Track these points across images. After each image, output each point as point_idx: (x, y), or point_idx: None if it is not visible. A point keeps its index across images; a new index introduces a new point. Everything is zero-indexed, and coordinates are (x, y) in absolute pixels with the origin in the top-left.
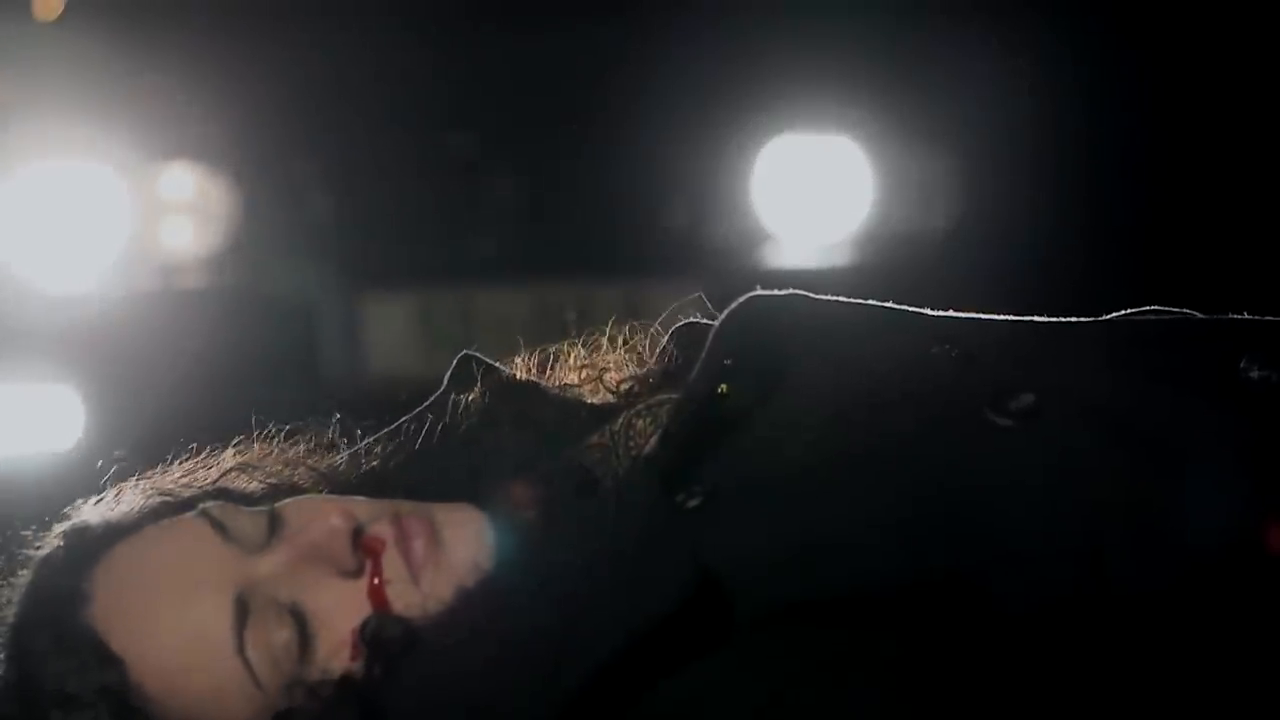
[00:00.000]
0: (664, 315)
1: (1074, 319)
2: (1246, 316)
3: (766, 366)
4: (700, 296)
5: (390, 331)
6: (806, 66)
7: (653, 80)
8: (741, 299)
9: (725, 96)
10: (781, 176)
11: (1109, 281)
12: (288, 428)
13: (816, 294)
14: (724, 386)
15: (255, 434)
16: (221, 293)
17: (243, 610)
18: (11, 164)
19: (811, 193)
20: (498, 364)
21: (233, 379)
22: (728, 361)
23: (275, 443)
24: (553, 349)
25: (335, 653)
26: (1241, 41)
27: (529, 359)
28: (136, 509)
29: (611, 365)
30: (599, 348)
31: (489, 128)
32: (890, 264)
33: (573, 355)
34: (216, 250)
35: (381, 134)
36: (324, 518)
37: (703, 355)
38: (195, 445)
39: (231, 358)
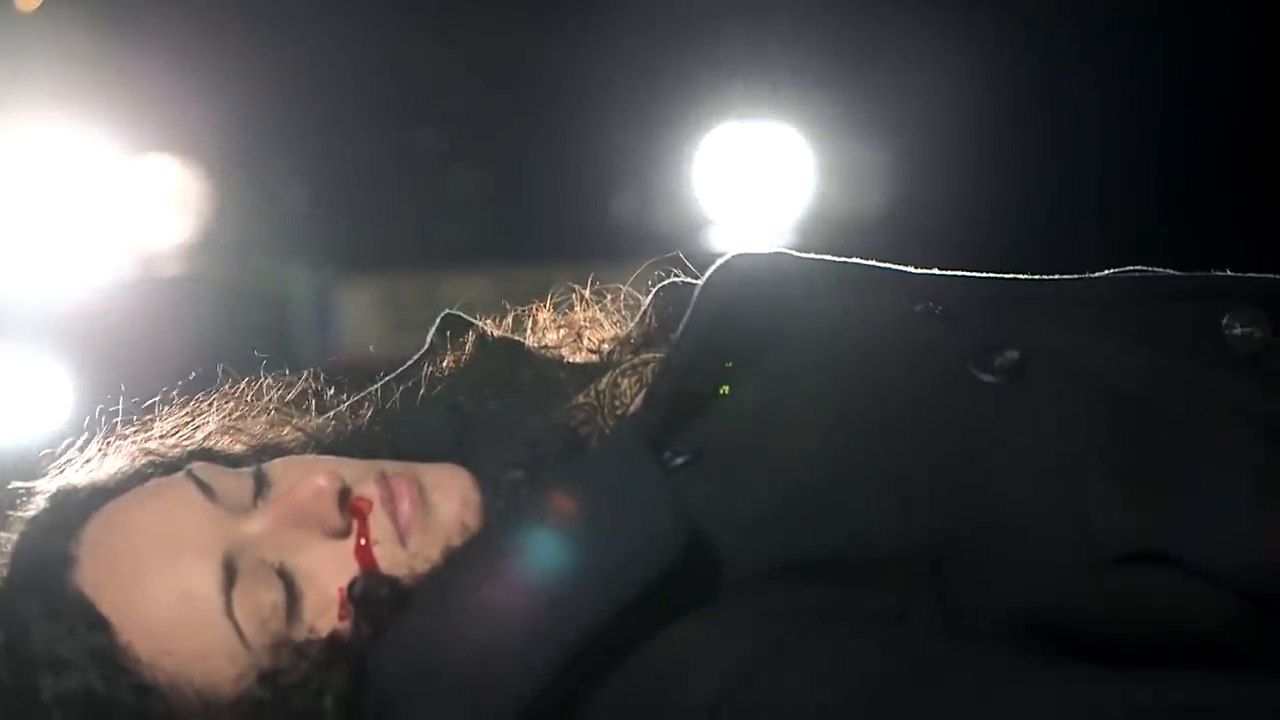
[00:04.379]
0: (633, 277)
1: (1057, 277)
2: (1229, 274)
3: (752, 325)
4: (679, 255)
5: (359, 315)
6: (748, 57)
7: (601, 74)
8: (725, 257)
9: (669, 87)
10: (724, 163)
11: (1045, 265)
12: (273, 384)
13: (800, 252)
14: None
15: (240, 392)
16: (197, 280)
17: (230, 571)
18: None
19: (754, 179)
20: (481, 323)
21: (208, 361)
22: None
23: (260, 402)
24: (522, 310)
25: (323, 613)
26: (1179, 24)
27: (499, 321)
28: (122, 471)
29: (586, 324)
30: (570, 309)
31: (450, 122)
32: (829, 248)
33: (542, 316)
34: (192, 239)
35: (350, 128)
36: (310, 478)
37: (687, 315)
38: (178, 401)
39: (207, 341)
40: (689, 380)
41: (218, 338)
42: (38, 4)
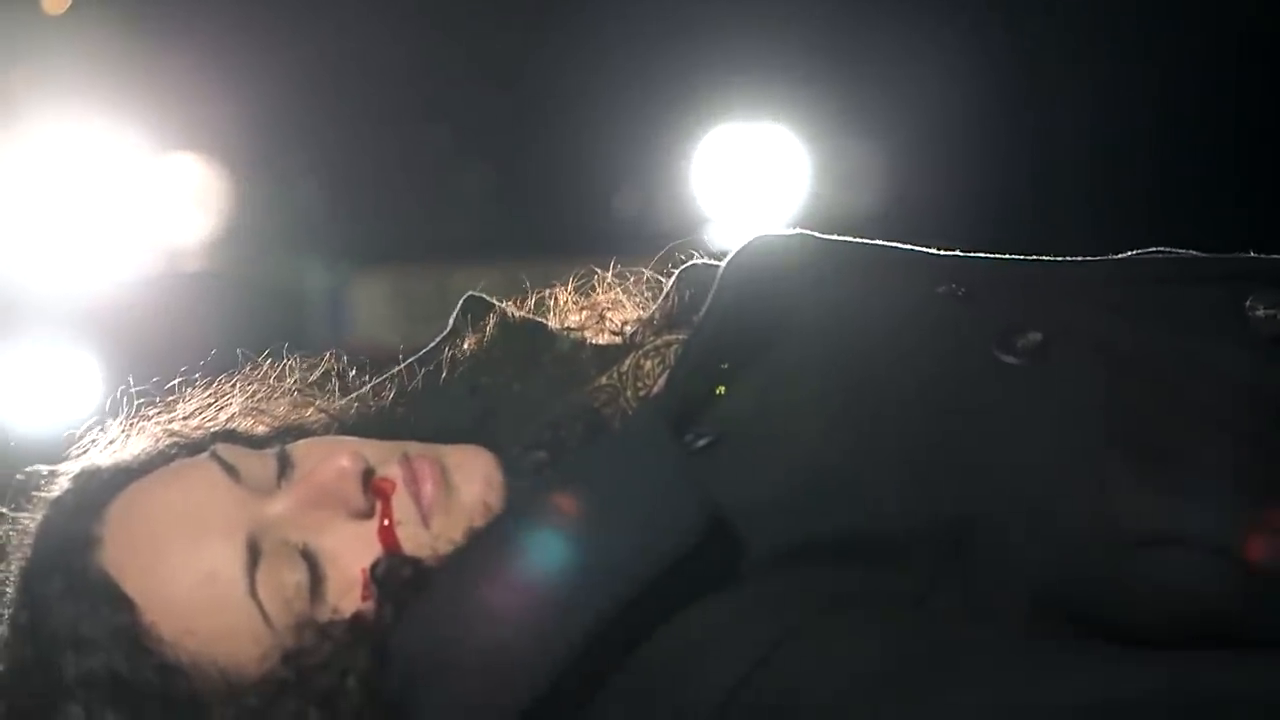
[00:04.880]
0: (655, 259)
1: (1080, 258)
2: (1252, 255)
3: (774, 307)
4: (697, 239)
5: (373, 308)
6: (747, 61)
7: (605, 77)
8: (748, 239)
9: (671, 90)
10: (723, 163)
11: None
12: (296, 365)
13: (822, 234)
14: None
15: (263, 373)
16: (219, 275)
17: (254, 552)
18: (20, 152)
19: (751, 178)
20: (503, 304)
21: (228, 351)
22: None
23: (283, 383)
24: (545, 292)
25: (346, 593)
26: (1173, 23)
27: (521, 303)
28: (146, 452)
29: (608, 306)
30: (591, 291)
31: (460, 123)
32: None
33: (564, 298)
34: (214, 235)
35: (364, 127)
36: (334, 459)
37: (710, 296)
38: (201, 383)
39: (228, 334)
40: (711, 362)
41: (238, 331)
42: (66, 7)
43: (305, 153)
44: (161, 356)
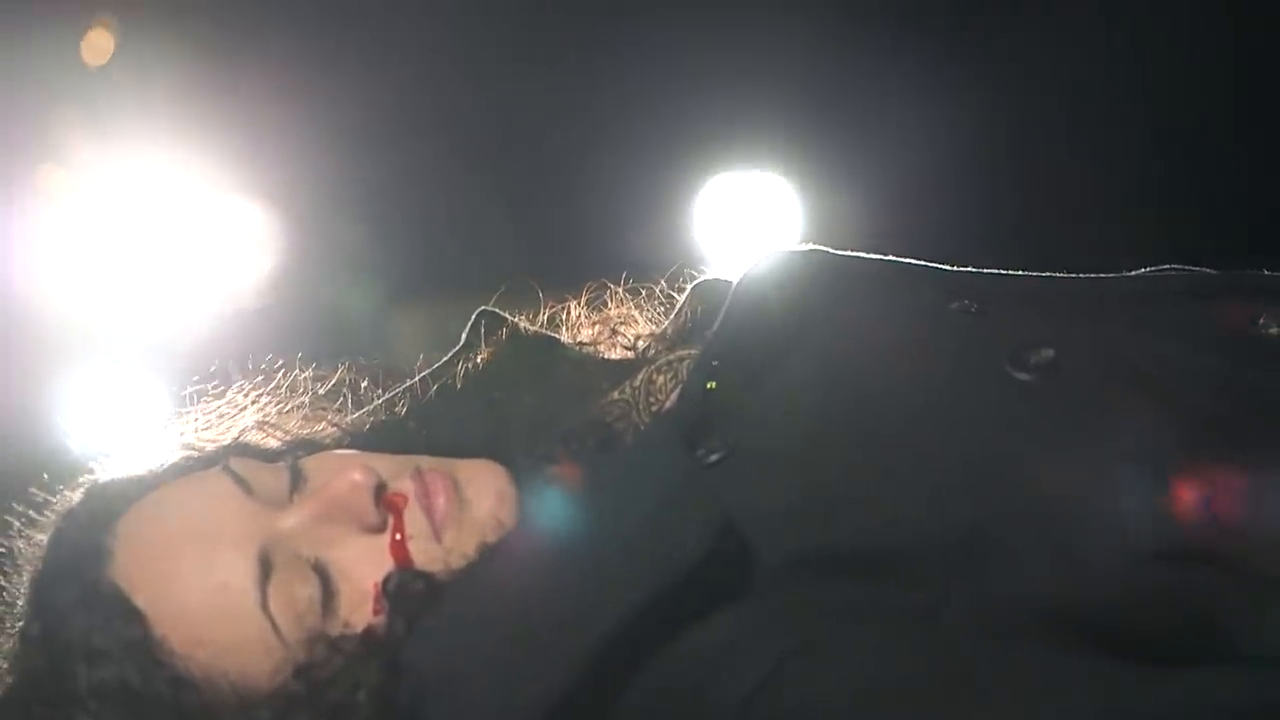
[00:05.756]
0: (667, 275)
1: (1092, 275)
2: (1264, 273)
3: (787, 322)
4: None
5: (415, 336)
6: (742, 113)
7: (619, 132)
8: (763, 255)
9: (676, 143)
10: (722, 208)
11: None
12: (308, 379)
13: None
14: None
15: (276, 387)
16: (273, 310)
17: (266, 565)
18: (93, 191)
19: (747, 223)
20: (516, 319)
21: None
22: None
23: (296, 397)
24: (556, 307)
25: (358, 607)
26: (1165, 67)
27: (534, 318)
28: (159, 464)
29: (620, 321)
30: (603, 306)
31: (490, 172)
32: None
33: (576, 313)
34: (268, 273)
35: (403, 176)
36: (346, 473)
37: (722, 311)
38: (215, 397)
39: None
40: (724, 377)
41: (293, 357)
42: (106, 60)
43: (352, 195)
44: (224, 380)
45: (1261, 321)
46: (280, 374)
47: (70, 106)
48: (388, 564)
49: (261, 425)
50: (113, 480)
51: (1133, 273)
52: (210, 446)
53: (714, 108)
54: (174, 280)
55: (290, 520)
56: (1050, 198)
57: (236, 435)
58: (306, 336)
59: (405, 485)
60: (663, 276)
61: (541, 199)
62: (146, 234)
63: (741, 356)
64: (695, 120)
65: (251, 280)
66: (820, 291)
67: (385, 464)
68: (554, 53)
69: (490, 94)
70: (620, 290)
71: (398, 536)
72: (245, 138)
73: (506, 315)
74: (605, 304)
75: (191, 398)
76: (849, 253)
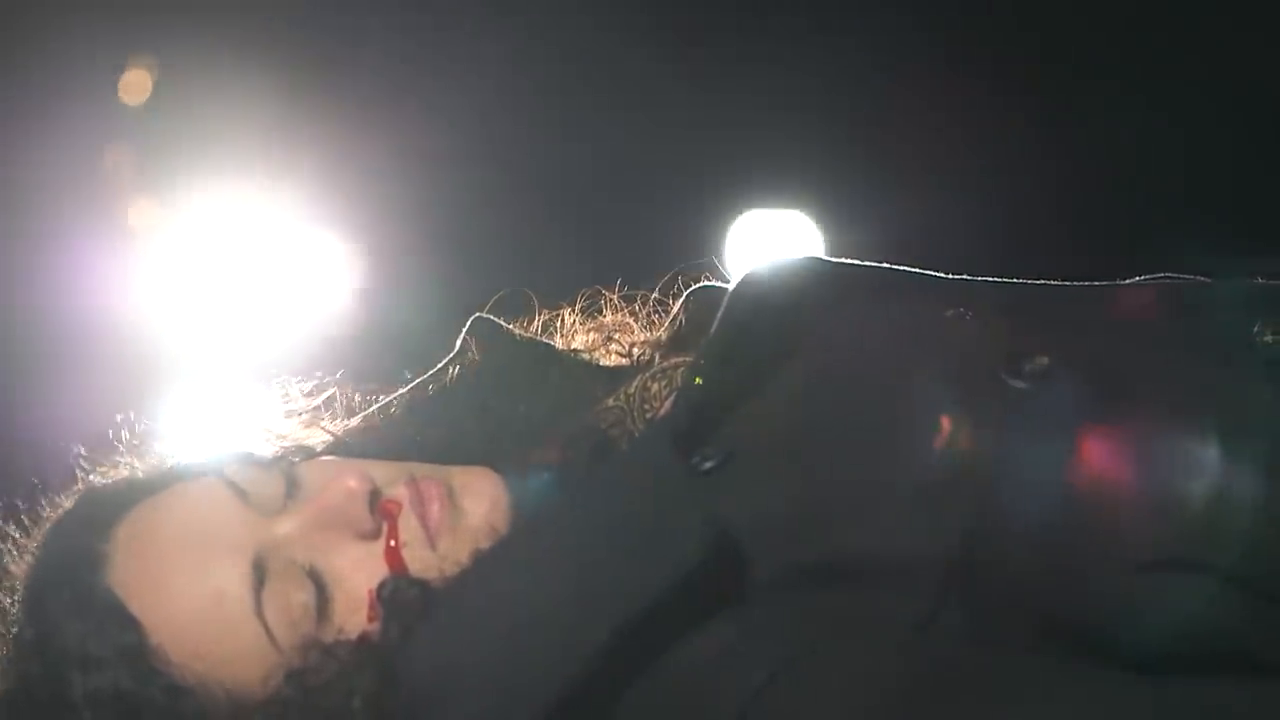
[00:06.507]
0: (661, 282)
1: (1088, 284)
2: (1259, 281)
3: (783, 329)
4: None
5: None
6: (768, 154)
7: (653, 174)
8: (757, 264)
9: (707, 183)
10: (750, 243)
11: None
12: (304, 387)
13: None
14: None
15: (272, 395)
16: (353, 338)
17: (260, 572)
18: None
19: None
20: (511, 327)
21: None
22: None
23: (291, 404)
24: (551, 314)
25: (352, 614)
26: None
27: (529, 325)
28: (155, 470)
29: (615, 328)
30: (598, 313)
31: (546, 206)
32: None
33: (571, 320)
34: (350, 299)
35: (466, 212)
36: (341, 480)
37: (718, 318)
38: (211, 405)
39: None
40: (718, 384)
41: (374, 378)
42: (144, 99)
43: (422, 226)
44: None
45: (1257, 329)
46: (277, 382)
47: (161, 142)
48: (382, 570)
49: (257, 432)
50: (108, 486)
51: (1128, 281)
52: (205, 453)
53: (744, 148)
54: (259, 308)
55: (285, 526)
56: (1080, 239)
57: (232, 441)
58: (386, 359)
59: (400, 492)
60: (658, 284)
61: (592, 234)
62: (234, 265)
63: (736, 363)
64: (725, 161)
65: (333, 307)
66: (816, 299)
67: (380, 470)
68: (600, 100)
69: (540, 135)
70: (615, 297)
71: (392, 543)
72: (325, 171)
73: (501, 322)
74: (600, 311)
75: (190, 408)
76: (845, 260)
